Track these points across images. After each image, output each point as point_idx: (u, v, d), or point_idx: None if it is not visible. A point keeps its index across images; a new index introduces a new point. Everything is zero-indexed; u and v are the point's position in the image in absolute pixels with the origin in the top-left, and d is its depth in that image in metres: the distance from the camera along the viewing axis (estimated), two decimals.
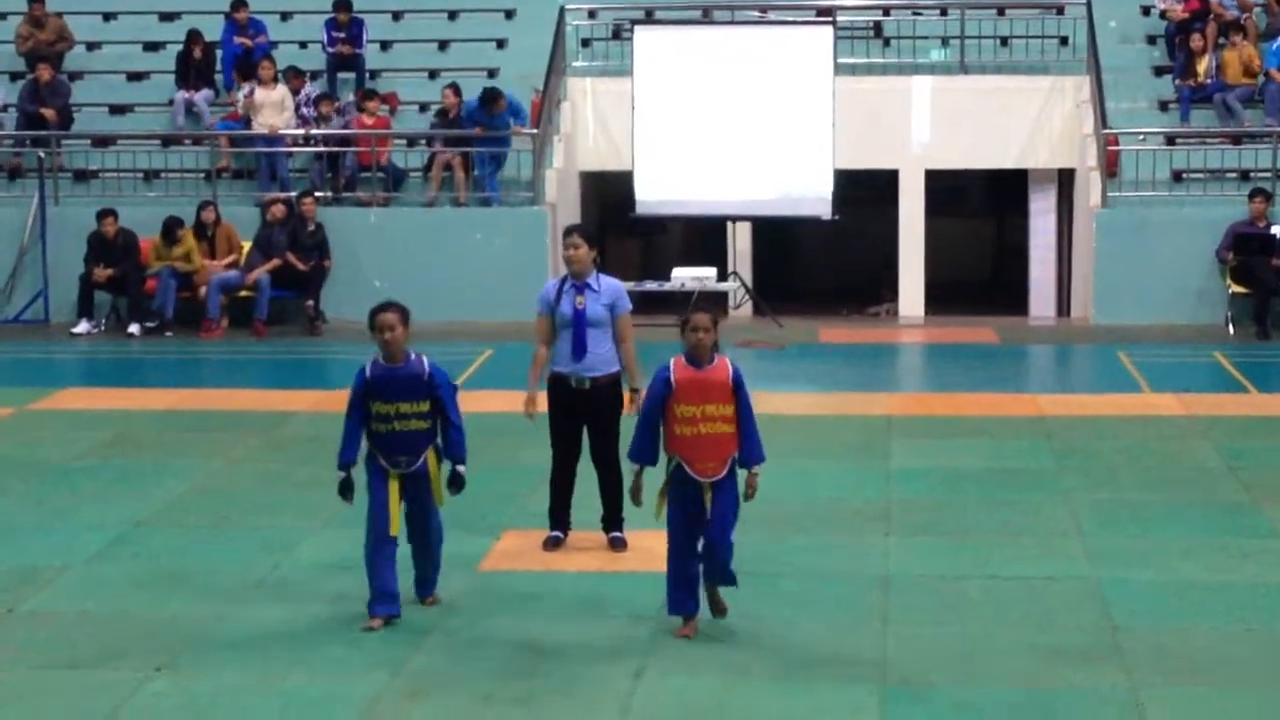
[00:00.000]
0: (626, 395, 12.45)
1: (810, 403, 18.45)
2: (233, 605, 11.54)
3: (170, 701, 9.93)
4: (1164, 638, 10.77)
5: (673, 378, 10.49)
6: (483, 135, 24.60)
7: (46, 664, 10.53)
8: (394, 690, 9.97)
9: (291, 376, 20.59)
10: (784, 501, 13.84)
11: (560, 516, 12.72)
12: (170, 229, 23.48)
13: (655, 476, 10.70)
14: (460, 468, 10.98)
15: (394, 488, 10.85)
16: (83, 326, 23.45)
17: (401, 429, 10.82)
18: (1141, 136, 24.54)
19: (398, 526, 10.86)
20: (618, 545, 12.52)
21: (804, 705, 9.75)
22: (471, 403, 17.47)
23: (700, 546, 10.52)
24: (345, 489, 10.91)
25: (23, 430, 17.08)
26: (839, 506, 13.85)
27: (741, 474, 10.63)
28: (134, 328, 23.40)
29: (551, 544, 12.65)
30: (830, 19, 25.22)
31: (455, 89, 25.02)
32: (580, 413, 12.48)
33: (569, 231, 12.64)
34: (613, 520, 12.57)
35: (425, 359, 10.95)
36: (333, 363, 21.42)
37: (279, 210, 23.77)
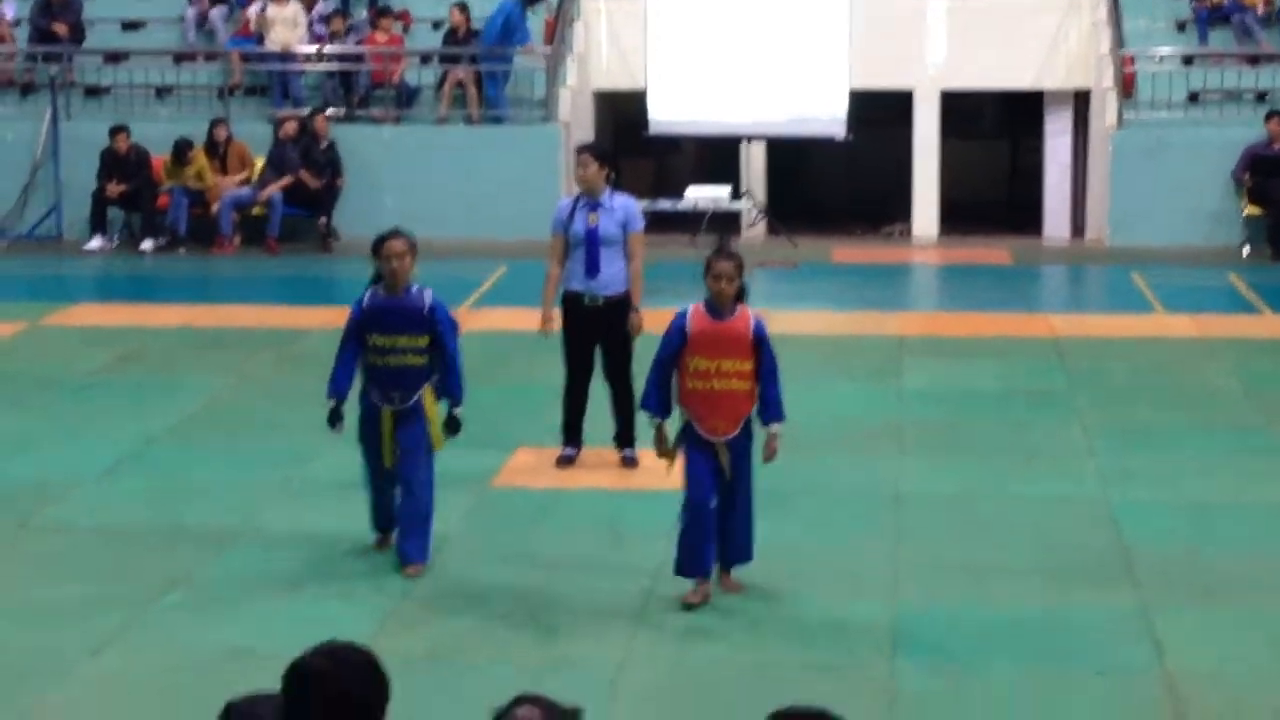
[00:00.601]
0: (632, 316, 12.44)
1: (823, 322, 18.43)
2: (246, 520, 11.57)
3: (184, 615, 9.97)
4: (1176, 558, 10.78)
5: (688, 328, 9.73)
6: (493, 54, 24.47)
7: (61, 578, 10.56)
8: (408, 605, 10.00)
9: (304, 293, 20.58)
10: (797, 421, 13.78)
11: (573, 434, 12.73)
12: (181, 151, 23.41)
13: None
14: (457, 410, 10.44)
15: (387, 422, 10.34)
16: (95, 242, 23.43)
17: (398, 364, 10.28)
18: (1158, 57, 24.40)
19: (392, 458, 10.37)
20: (630, 463, 12.53)
21: (815, 620, 9.77)
22: (485, 320, 17.55)
23: (718, 506, 9.78)
24: (334, 418, 10.50)
25: (36, 346, 17.09)
26: (852, 426, 13.86)
27: (760, 435, 9.95)
28: (146, 244, 23.37)
29: (564, 461, 12.67)
30: None
31: (462, 7, 24.88)
32: (593, 330, 12.48)
33: (580, 150, 12.62)
34: (625, 437, 12.59)
35: (427, 292, 10.38)
36: (345, 280, 21.36)
37: (291, 127, 23.70)
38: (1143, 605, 9.97)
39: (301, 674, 4.53)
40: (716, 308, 9.74)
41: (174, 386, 15.23)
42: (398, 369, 10.29)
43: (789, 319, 17.68)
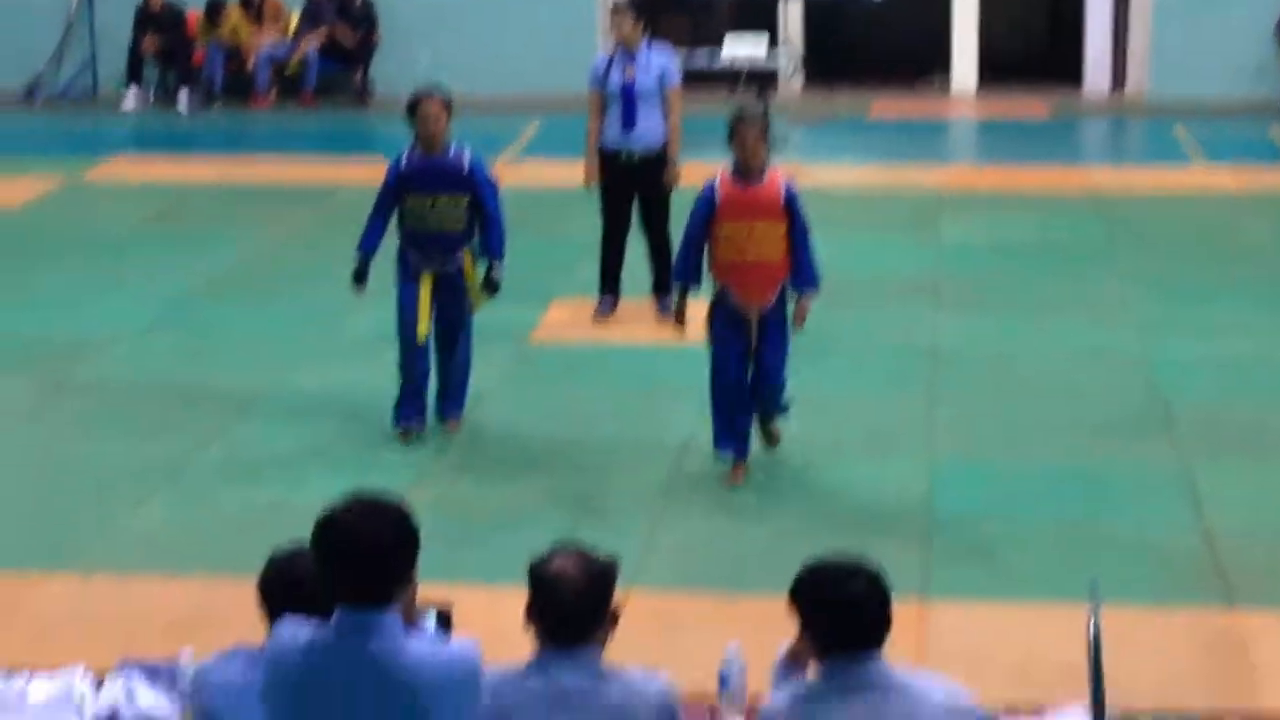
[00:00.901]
0: (668, 170, 12.40)
1: (861, 176, 18.31)
2: (283, 375, 11.61)
3: (222, 466, 10.04)
4: (1214, 411, 10.76)
5: (717, 194, 9.37)
6: None
7: (101, 434, 10.63)
8: (445, 459, 10.05)
9: (340, 148, 20.51)
10: (833, 275, 13.71)
11: (610, 287, 12.73)
12: (215, 7, 23.27)
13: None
14: (498, 267, 10.21)
15: (425, 289, 10.09)
16: (131, 96, 23.33)
17: (437, 225, 10.02)
18: None
19: (427, 328, 10.15)
20: (666, 312, 12.52)
21: (851, 478, 9.80)
22: (521, 174, 17.48)
23: (750, 378, 9.57)
24: (358, 275, 10.29)
25: (72, 201, 17.09)
26: (889, 280, 13.81)
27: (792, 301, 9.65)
28: (182, 100, 23.30)
29: (601, 314, 12.68)
30: None
31: None
32: (630, 184, 12.47)
33: (616, 6, 12.56)
34: (662, 291, 12.57)
35: (466, 151, 10.11)
36: (382, 135, 21.28)
37: None
38: (1181, 460, 9.96)
39: (330, 527, 4.54)
40: (745, 172, 9.37)
41: (210, 242, 15.23)
42: (437, 231, 10.04)
43: (827, 173, 17.60)
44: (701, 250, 9.48)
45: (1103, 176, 18.01)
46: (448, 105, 10.07)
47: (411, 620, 4.80)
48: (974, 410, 10.83)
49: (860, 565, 4.91)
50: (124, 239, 15.48)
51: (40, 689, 5.62)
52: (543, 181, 16.85)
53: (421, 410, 10.28)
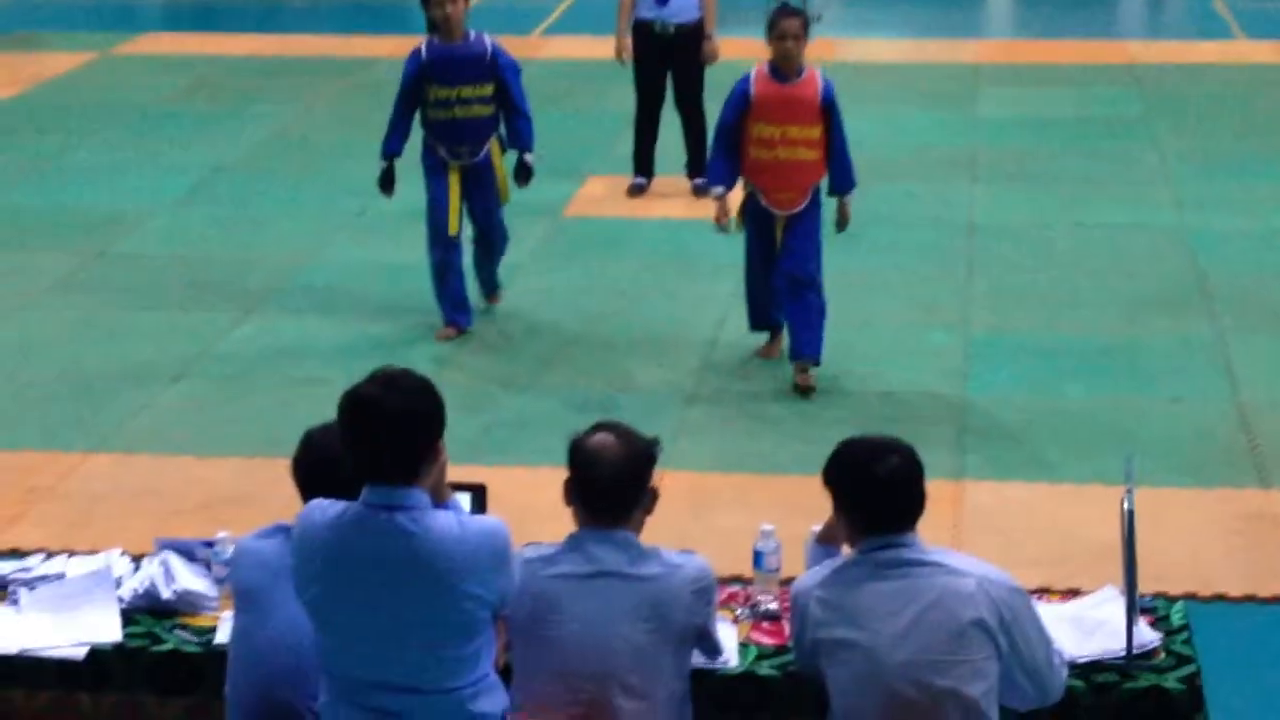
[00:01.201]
0: (705, 45, 12.32)
1: (898, 50, 18.17)
2: (318, 249, 11.63)
3: (258, 344, 10.07)
4: (1250, 285, 10.72)
5: (751, 91, 9.00)
6: None
7: (138, 305, 10.68)
8: (481, 333, 10.06)
9: (373, 21, 20.39)
10: (870, 149, 13.70)
11: (644, 162, 12.69)
12: None
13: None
14: (528, 156, 9.89)
15: (454, 182, 9.81)
16: None
17: (463, 115, 9.69)
18: None
19: (458, 224, 9.87)
20: (700, 191, 12.48)
21: (889, 349, 9.79)
22: (554, 49, 17.40)
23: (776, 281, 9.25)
24: (386, 180, 9.95)
25: (105, 75, 17.06)
26: (926, 154, 13.74)
27: (829, 206, 9.37)
28: None
29: (635, 190, 12.64)
30: None
31: None
32: (664, 58, 12.38)
33: None
34: (696, 165, 12.51)
35: (487, 37, 9.77)
36: (414, 7, 21.19)
37: None
38: (1218, 333, 9.94)
39: (355, 401, 4.55)
40: (782, 70, 9.00)
41: (243, 116, 15.21)
42: (464, 121, 9.73)
43: (864, 47, 17.50)
44: (734, 150, 9.11)
45: (1142, 50, 17.84)
46: None
47: (442, 499, 4.82)
48: (1010, 285, 10.80)
49: (894, 444, 4.90)
50: (159, 113, 15.45)
51: (79, 568, 5.67)
52: (576, 55, 16.75)
53: (465, 310, 10.07)
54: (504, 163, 9.96)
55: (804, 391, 9.16)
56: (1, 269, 11.35)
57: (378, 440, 4.53)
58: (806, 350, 9.14)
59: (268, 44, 18.54)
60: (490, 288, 10.42)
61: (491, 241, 10.18)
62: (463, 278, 10.03)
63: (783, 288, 9.15)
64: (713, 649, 5.08)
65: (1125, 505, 5.01)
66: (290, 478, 5.03)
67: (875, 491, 4.82)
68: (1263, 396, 9.13)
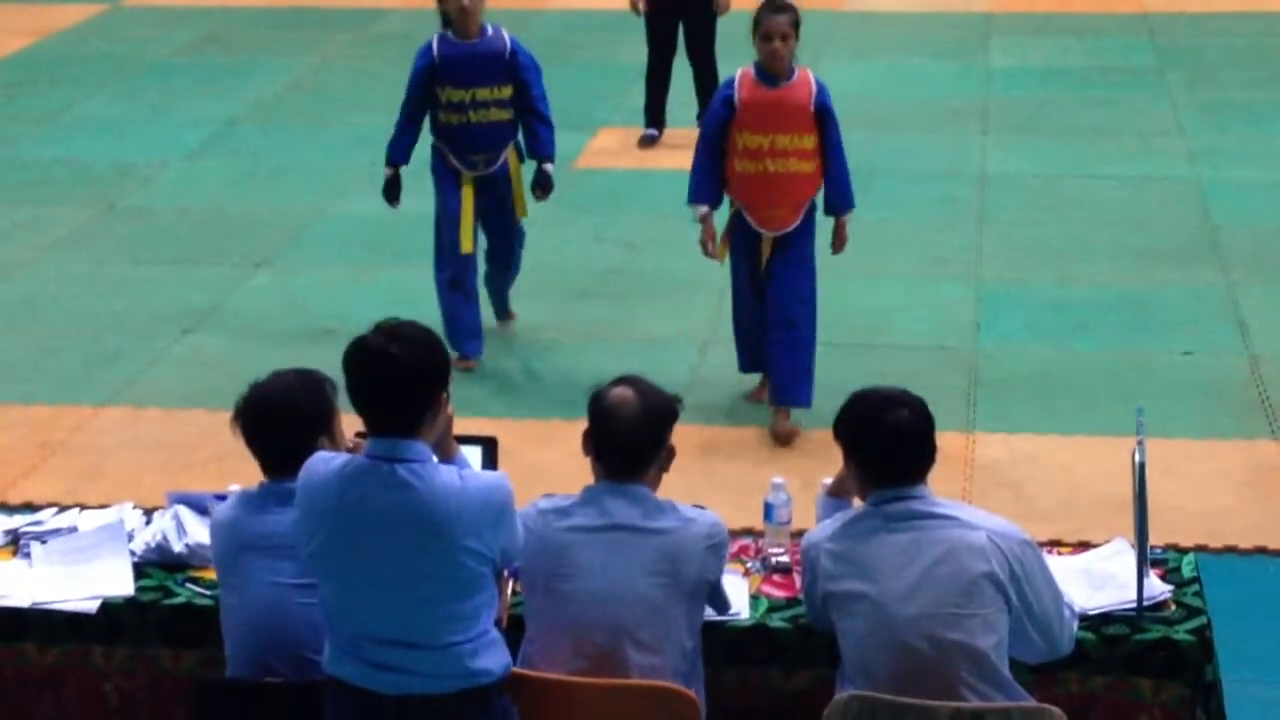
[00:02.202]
0: None
1: (908, 0, 18.12)
2: (330, 201, 11.62)
3: (270, 296, 10.08)
4: (1262, 236, 10.70)
5: (736, 96, 8.02)
6: None
7: (150, 258, 10.69)
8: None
9: None
10: (880, 100, 13.71)
11: (656, 114, 12.67)
12: None
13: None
14: (548, 166, 8.95)
15: (468, 195, 8.87)
16: None
17: (479, 120, 8.74)
18: None
19: (471, 242, 8.92)
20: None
21: (900, 302, 9.79)
22: (566, 0, 17.34)
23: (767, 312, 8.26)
24: (390, 190, 9.07)
25: (117, 26, 17.02)
26: (936, 105, 13.69)
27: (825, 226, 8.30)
28: None
29: (647, 141, 12.63)
30: None
31: None
32: (676, 9, 12.35)
33: None
34: None
35: (505, 33, 8.82)
36: None
37: None
38: (1230, 286, 9.92)
39: (358, 350, 4.57)
40: (769, 72, 8.03)
41: (255, 68, 15.18)
42: (480, 126, 8.78)
43: None
44: (717, 161, 8.14)
45: None
46: None
47: (449, 452, 4.84)
48: (1022, 237, 10.78)
49: (904, 396, 4.90)
50: (169, 64, 15.43)
51: (91, 521, 5.69)
52: (587, 5, 16.69)
53: (479, 337, 9.07)
54: (521, 173, 9.07)
55: (785, 440, 8.16)
56: (12, 222, 11.35)
57: (382, 391, 4.54)
58: (793, 396, 8.20)
59: None
60: (503, 308, 9.55)
61: (506, 258, 9.29)
62: (477, 302, 9.11)
63: (770, 320, 8.23)
64: (722, 604, 5.09)
65: (1136, 457, 5.02)
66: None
67: (886, 444, 4.83)
68: (1274, 348, 9.11)
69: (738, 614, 5.18)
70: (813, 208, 8.16)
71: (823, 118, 8.05)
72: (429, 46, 8.79)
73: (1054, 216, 11.13)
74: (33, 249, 10.87)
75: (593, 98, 13.67)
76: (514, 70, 8.76)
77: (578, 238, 10.84)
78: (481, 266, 9.23)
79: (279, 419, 4.92)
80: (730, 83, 8.11)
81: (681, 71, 12.52)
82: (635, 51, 12.91)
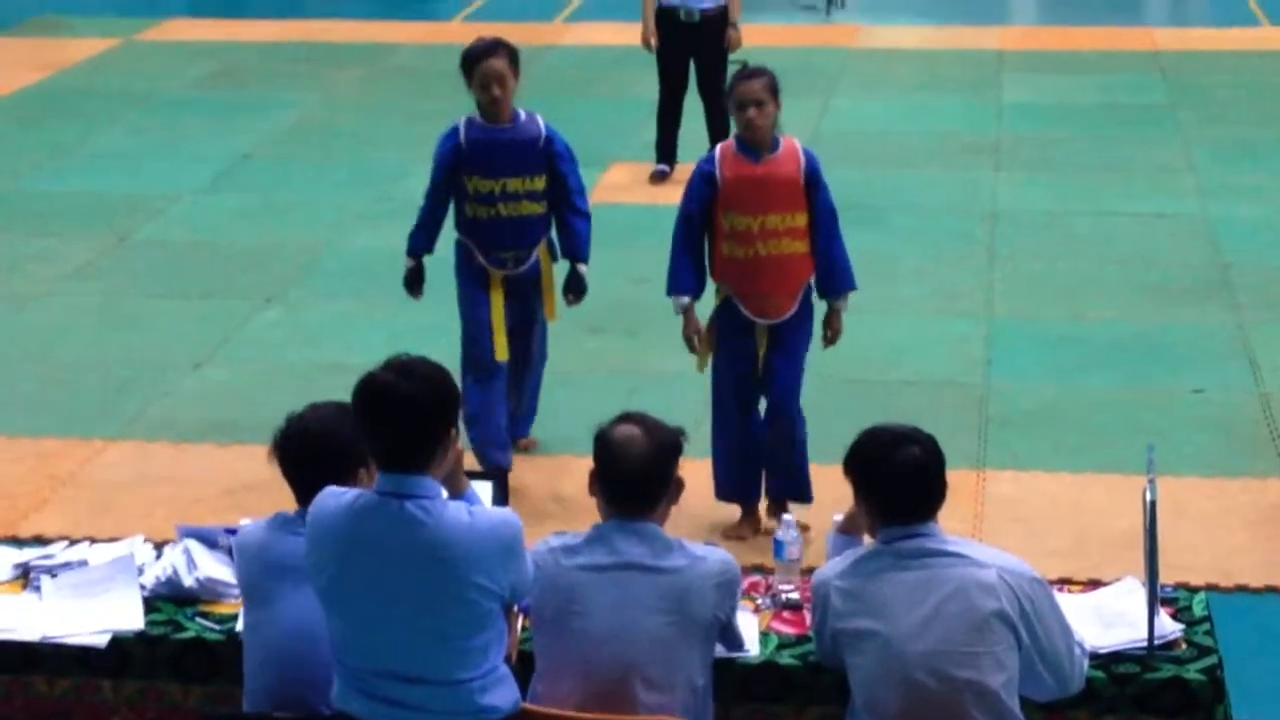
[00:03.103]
0: (729, 32, 12.31)
1: (920, 36, 18.12)
2: (341, 236, 11.64)
3: (280, 331, 10.09)
4: (1274, 274, 10.69)
5: (718, 173, 7.31)
6: None
7: (160, 292, 10.70)
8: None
9: (396, 7, 20.39)
10: (892, 135, 13.73)
11: (667, 150, 12.69)
12: None
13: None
14: (582, 267, 8.15)
15: (497, 300, 8.00)
16: None
17: (509, 214, 7.88)
18: None
19: (505, 349, 8.04)
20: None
21: (910, 338, 9.78)
22: (578, 35, 17.38)
23: (762, 413, 7.59)
24: (412, 280, 8.22)
25: (130, 61, 17.07)
26: (948, 140, 13.71)
27: (820, 309, 7.56)
28: None
29: (658, 177, 12.64)
30: None
31: None
32: (688, 46, 12.39)
33: None
34: None
35: (540, 119, 7.97)
36: None
37: None
38: (1240, 324, 9.91)
39: (368, 386, 4.59)
40: (750, 145, 7.36)
41: (267, 103, 15.22)
42: (510, 220, 7.91)
43: (886, 33, 17.46)
44: (700, 246, 7.47)
45: (1166, 37, 17.77)
46: (514, 58, 7.90)
47: (459, 488, 4.84)
48: (1032, 273, 10.78)
49: (914, 433, 4.90)
50: (182, 99, 15.47)
51: (101, 555, 5.69)
52: (600, 41, 16.74)
53: (508, 447, 8.09)
54: (554, 273, 8.24)
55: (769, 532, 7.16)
56: (24, 255, 11.37)
57: (391, 427, 4.55)
58: (793, 492, 7.49)
59: (291, 30, 18.53)
60: (524, 423, 8.48)
61: (530, 371, 8.40)
62: (507, 411, 8.19)
63: (771, 415, 7.54)
64: (734, 641, 5.08)
65: (1147, 495, 5.01)
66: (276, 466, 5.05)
67: (896, 481, 4.83)
68: None
69: (747, 651, 5.17)
70: (809, 292, 7.48)
71: (814, 191, 7.34)
72: (455, 130, 7.94)
73: (1065, 253, 11.13)
74: (45, 281, 10.89)
75: (605, 133, 13.69)
76: (549, 160, 7.95)
77: (589, 272, 10.81)
78: None
79: (316, 451, 4.91)
80: (710, 159, 7.41)
81: (693, 108, 12.54)
82: (647, 87, 12.93)
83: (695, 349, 7.57)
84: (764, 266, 7.32)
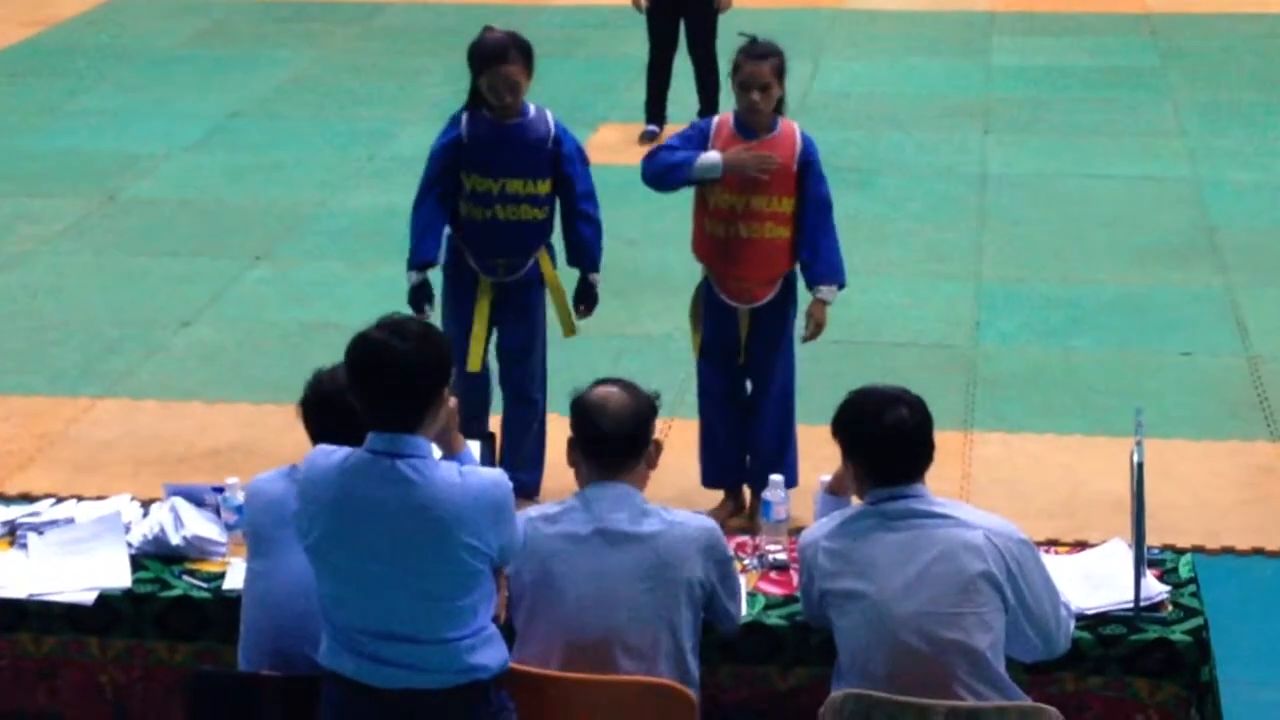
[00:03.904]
0: None
1: None
2: (330, 195, 11.62)
3: (269, 289, 10.08)
4: (1262, 237, 10.69)
5: (712, 142, 7.07)
6: None
7: (150, 250, 10.69)
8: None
9: None
10: (881, 98, 13.71)
11: (657, 110, 12.67)
12: None
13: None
14: (594, 277, 7.48)
15: (483, 308, 7.35)
16: None
17: (506, 217, 7.23)
18: None
19: (480, 359, 7.37)
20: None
21: (899, 300, 9.78)
22: None
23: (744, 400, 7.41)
24: (418, 296, 7.33)
25: (120, 18, 17.00)
26: (938, 103, 13.69)
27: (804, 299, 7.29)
28: None
29: (648, 137, 12.61)
30: None
31: None
32: (677, 5, 12.36)
33: None
34: (708, 112, 12.48)
35: (550, 115, 7.32)
36: None
37: None
38: (1229, 287, 9.92)
39: (361, 345, 4.58)
40: (749, 124, 7.09)
41: (256, 60, 15.17)
42: (506, 224, 7.26)
43: None
44: (683, 176, 7.13)
45: (1157, 0, 17.75)
46: (527, 56, 7.20)
47: (456, 449, 4.84)
48: (1021, 236, 10.78)
49: (903, 395, 4.91)
50: (171, 56, 15.42)
51: (88, 513, 5.69)
52: (591, 2, 16.68)
53: (486, 413, 7.53)
54: (560, 283, 7.53)
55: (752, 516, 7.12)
56: (12, 214, 11.35)
57: (384, 386, 4.55)
58: (782, 468, 6.99)
59: None
60: (528, 472, 7.44)
61: (525, 393, 7.53)
62: (487, 414, 7.53)
63: (755, 402, 7.37)
64: (724, 616, 5.04)
65: (1134, 458, 5.02)
66: (300, 422, 5.04)
67: (884, 442, 4.84)
68: (1273, 349, 9.12)
69: (736, 622, 5.14)
70: (792, 278, 7.24)
71: (806, 179, 7.08)
72: (457, 120, 7.25)
73: (1054, 216, 11.13)
74: (33, 240, 10.87)
75: (594, 93, 13.67)
76: (556, 162, 7.30)
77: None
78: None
79: (338, 407, 4.88)
80: (707, 125, 7.17)
81: (683, 68, 12.52)
82: (636, 47, 12.91)
83: (764, 162, 6.97)
84: (744, 248, 7.11)
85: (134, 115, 13.54)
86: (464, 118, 7.24)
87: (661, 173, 7.18)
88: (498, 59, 7.08)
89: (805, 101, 13.23)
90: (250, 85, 14.33)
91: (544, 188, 7.27)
